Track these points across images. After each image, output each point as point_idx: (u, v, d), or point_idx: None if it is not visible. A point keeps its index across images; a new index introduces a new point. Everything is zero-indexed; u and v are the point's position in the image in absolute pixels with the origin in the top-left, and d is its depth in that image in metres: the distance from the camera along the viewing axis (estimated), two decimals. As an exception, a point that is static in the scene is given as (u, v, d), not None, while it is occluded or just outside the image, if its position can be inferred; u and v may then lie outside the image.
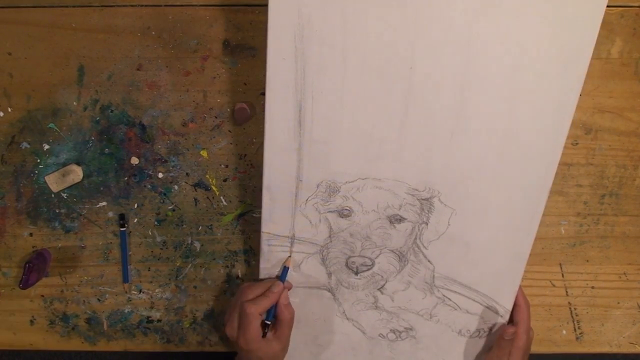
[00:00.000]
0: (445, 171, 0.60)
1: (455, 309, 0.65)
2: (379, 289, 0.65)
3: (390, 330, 0.66)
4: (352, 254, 0.63)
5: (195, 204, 0.68)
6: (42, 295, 0.70)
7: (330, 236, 0.63)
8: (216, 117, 0.67)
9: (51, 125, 0.67)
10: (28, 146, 0.68)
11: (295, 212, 0.62)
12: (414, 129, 0.58)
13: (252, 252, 0.69)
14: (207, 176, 0.68)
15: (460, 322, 0.66)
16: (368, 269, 0.64)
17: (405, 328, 0.66)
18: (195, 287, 0.70)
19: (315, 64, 0.55)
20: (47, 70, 0.67)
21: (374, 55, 0.55)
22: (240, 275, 0.69)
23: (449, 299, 0.65)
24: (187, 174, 0.68)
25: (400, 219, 0.62)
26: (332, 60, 0.55)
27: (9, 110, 0.68)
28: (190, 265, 0.69)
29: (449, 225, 0.62)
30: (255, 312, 0.59)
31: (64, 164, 0.68)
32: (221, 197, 0.68)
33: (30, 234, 0.69)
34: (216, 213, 0.68)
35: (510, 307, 0.64)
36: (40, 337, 0.70)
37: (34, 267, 0.65)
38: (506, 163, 0.58)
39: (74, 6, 0.66)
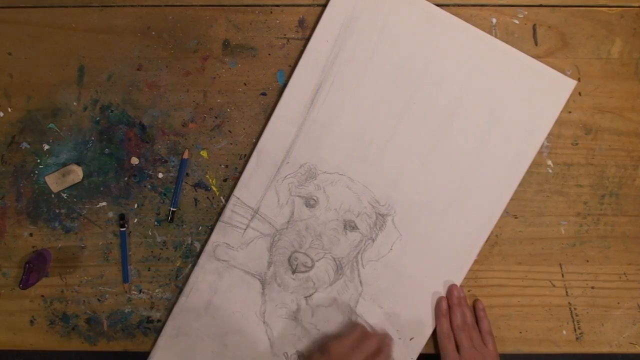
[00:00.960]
0: (407, 194, 0.66)
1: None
2: (306, 297, 0.67)
3: (297, 351, 0.67)
4: (299, 248, 0.65)
5: (195, 204, 0.68)
6: (42, 295, 0.70)
7: (288, 222, 0.66)
8: (216, 117, 0.67)
9: (51, 125, 0.67)
10: (28, 146, 0.68)
11: (270, 187, 0.66)
12: (397, 146, 0.66)
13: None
14: (207, 176, 0.68)
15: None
16: (306, 271, 0.66)
17: (298, 352, 0.67)
18: (195, 287, 0.69)
19: (347, 54, 0.65)
20: (47, 70, 0.67)
21: (392, 69, 0.65)
22: (240, 275, 0.69)
23: (368, 323, 0.67)
24: (187, 174, 0.68)
25: (354, 227, 0.66)
26: (361, 56, 0.65)
27: (9, 110, 0.68)
28: (190, 265, 0.69)
29: (390, 249, 0.66)
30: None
31: (64, 164, 0.68)
32: (221, 197, 0.68)
33: (30, 234, 0.69)
34: (216, 213, 0.68)
35: (416, 355, 0.67)
36: (40, 337, 0.70)
37: (34, 267, 0.65)
38: (457, 209, 0.66)
39: (74, 6, 0.66)
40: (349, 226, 0.65)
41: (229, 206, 0.67)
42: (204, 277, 0.67)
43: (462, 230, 0.66)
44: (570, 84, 0.65)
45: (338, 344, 0.62)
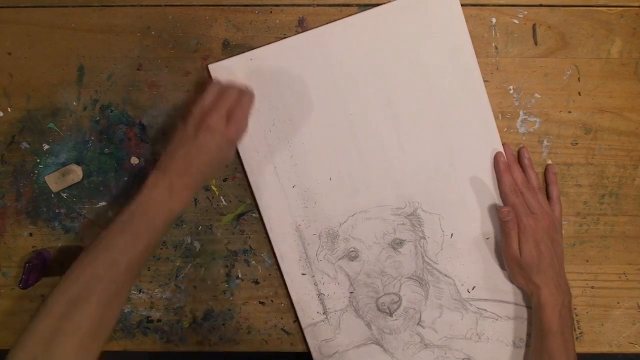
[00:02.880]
0: (412, 183, 0.66)
1: (497, 319, 0.67)
2: (419, 324, 0.67)
3: None
4: (378, 294, 0.66)
5: (195, 204, 0.68)
6: (43, 296, 0.70)
7: (351, 284, 0.66)
8: (216, 117, 0.67)
9: (51, 125, 0.67)
10: (28, 146, 0.68)
11: (313, 274, 0.67)
12: (368, 162, 0.66)
13: (252, 252, 0.69)
14: (207, 176, 0.68)
15: (509, 333, 0.67)
16: (399, 306, 0.66)
17: (463, 359, 0.67)
18: (195, 287, 0.69)
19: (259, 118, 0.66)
20: (47, 70, 0.67)
21: (321, 113, 0.66)
22: (240, 276, 0.69)
23: (485, 310, 0.67)
24: (187, 174, 0.68)
25: (401, 242, 0.66)
26: (270, 111, 0.66)
27: (9, 110, 0.68)
28: (190, 265, 0.69)
29: (443, 231, 0.66)
30: (236, 94, 0.59)
31: (64, 164, 0.68)
32: (221, 197, 0.68)
33: (30, 234, 0.69)
34: (216, 213, 0.68)
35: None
36: (40, 337, 0.70)
37: (34, 267, 0.65)
38: (459, 161, 0.66)
39: (74, 6, 0.66)
40: (396, 244, 0.66)
41: (299, 312, 0.68)
42: None
43: (487, 172, 0.66)
44: None
45: (198, 105, 0.58)
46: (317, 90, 0.65)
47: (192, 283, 0.69)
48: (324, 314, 0.67)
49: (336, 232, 0.66)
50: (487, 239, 0.66)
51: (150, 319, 0.70)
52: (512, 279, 0.65)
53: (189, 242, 0.69)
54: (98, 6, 0.66)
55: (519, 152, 0.66)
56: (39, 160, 0.68)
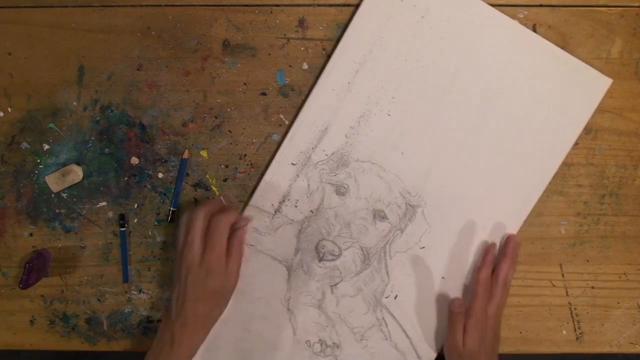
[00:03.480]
0: (439, 186, 0.66)
1: (386, 339, 0.67)
2: (331, 286, 0.66)
3: (319, 339, 0.67)
4: (327, 236, 0.65)
5: (196, 204, 0.68)
6: (42, 295, 0.70)
7: (317, 209, 0.66)
8: (216, 117, 0.67)
9: (51, 125, 0.67)
10: (28, 146, 0.68)
11: (301, 172, 0.66)
12: (431, 137, 0.65)
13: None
14: (207, 176, 0.68)
15: (385, 356, 0.67)
16: (333, 259, 0.65)
17: (333, 343, 0.67)
18: (195, 287, 0.69)
19: (384, 44, 0.65)
20: (47, 70, 0.67)
21: (429, 60, 0.65)
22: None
23: (386, 324, 0.67)
24: (187, 173, 0.68)
25: (383, 217, 0.65)
26: (399, 47, 0.65)
27: (9, 110, 0.68)
28: (190, 265, 0.69)
29: (419, 241, 0.66)
30: (228, 224, 0.60)
31: (64, 164, 0.68)
32: (221, 197, 0.68)
33: (30, 234, 0.69)
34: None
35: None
36: (40, 337, 0.70)
37: (34, 267, 0.65)
38: (486, 205, 0.66)
39: (74, 6, 0.66)
40: (379, 216, 0.65)
41: (259, 190, 0.66)
42: None
43: (490, 227, 0.66)
44: (605, 82, 0.65)
45: (190, 247, 0.60)
46: (445, 52, 0.65)
47: (192, 283, 0.69)
48: (274, 210, 0.66)
49: (348, 162, 0.65)
50: (442, 277, 0.66)
51: (150, 319, 0.70)
52: None
53: (189, 242, 0.69)
54: (98, 6, 0.66)
55: (507, 240, 0.65)
56: (39, 160, 0.68)
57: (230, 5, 0.66)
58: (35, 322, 0.70)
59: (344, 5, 0.66)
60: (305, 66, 0.67)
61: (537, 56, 0.64)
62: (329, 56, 0.66)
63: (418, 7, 0.64)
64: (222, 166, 0.68)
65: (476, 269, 0.64)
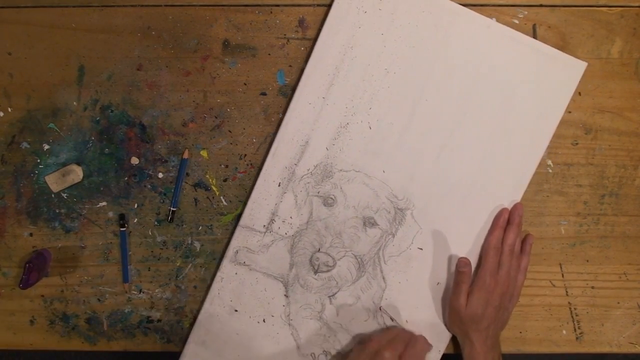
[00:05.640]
0: (425, 187, 0.66)
1: None
2: (329, 297, 0.67)
3: (324, 350, 0.67)
4: (320, 248, 0.65)
5: (195, 204, 0.68)
6: (42, 295, 0.70)
7: (307, 222, 0.66)
8: (216, 117, 0.67)
9: (51, 125, 0.67)
10: (28, 146, 0.68)
11: (287, 188, 0.66)
12: (412, 138, 0.66)
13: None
14: (207, 176, 0.68)
15: None
16: (328, 270, 0.66)
17: (337, 352, 0.67)
18: (195, 287, 0.69)
19: (356, 50, 0.65)
20: (47, 70, 0.67)
21: (402, 61, 0.65)
22: (240, 275, 0.69)
23: (388, 328, 0.67)
24: (187, 173, 0.68)
25: (373, 224, 0.66)
26: (370, 51, 0.65)
27: (9, 110, 0.68)
28: (190, 265, 0.69)
29: (411, 243, 0.66)
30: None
31: (64, 164, 0.68)
32: (221, 197, 0.68)
33: (30, 234, 0.69)
34: (216, 213, 0.68)
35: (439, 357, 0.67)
36: (40, 337, 0.70)
37: (34, 267, 0.65)
38: (474, 201, 0.66)
39: (74, 6, 0.66)
40: (369, 223, 0.65)
41: (247, 210, 0.67)
42: (227, 283, 0.67)
43: (480, 222, 0.66)
44: (581, 66, 0.64)
45: (377, 337, 0.62)
46: (418, 51, 0.65)
47: (192, 283, 0.69)
48: (265, 228, 0.66)
49: (332, 173, 0.65)
50: (438, 283, 0.67)
51: (150, 319, 0.70)
52: (448, 325, 0.66)
53: (189, 242, 0.69)
54: (98, 6, 0.66)
55: (513, 208, 0.66)
56: (39, 160, 0.68)
57: (230, 5, 0.66)
58: (35, 322, 0.70)
59: (344, 5, 0.66)
60: (305, 66, 0.67)
61: (510, 47, 0.65)
62: (301, 70, 0.66)
63: (384, 15, 0.64)
64: (222, 166, 0.68)
65: (487, 233, 0.65)
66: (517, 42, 0.64)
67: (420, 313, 0.67)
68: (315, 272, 0.66)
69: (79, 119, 0.67)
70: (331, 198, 0.65)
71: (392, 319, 0.66)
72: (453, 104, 0.65)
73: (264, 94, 0.67)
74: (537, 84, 0.65)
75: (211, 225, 0.69)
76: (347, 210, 0.66)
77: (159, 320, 0.70)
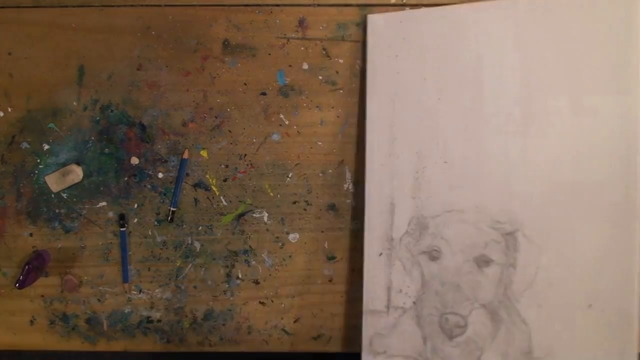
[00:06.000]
0: (523, 200, 0.59)
1: None
2: None
3: None
4: (445, 309, 0.61)
5: (195, 204, 0.68)
6: (42, 295, 0.70)
7: (422, 285, 0.62)
8: (216, 117, 0.67)
9: (51, 125, 0.67)
10: (28, 146, 0.68)
11: (392, 257, 0.63)
12: (486, 158, 0.60)
13: (252, 252, 0.69)
14: (207, 176, 0.68)
15: None
16: (462, 332, 0.60)
17: None
18: (195, 287, 0.70)
19: (406, 100, 0.63)
20: (47, 70, 0.67)
21: (450, 89, 0.62)
22: (240, 276, 0.69)
23: None
24: (187, 173, 0.68)
25: (488, 261, 0.60)
26: (415, 94, 0.63)
27: (9, 110, 0.68)
28: (190, 265, 0.69)
29: (538, 267, 0.58)
30: None
31: (64, 164, 0.68)
32: (221, 197, 0.68)
33: (30, 234, 0.69)
34: (216, 213, 0.68)
35: None
36: (40, 337, 0.70)
37: (33, 268, 0.65)
38: (588, 196, 0.56)
39: (74, 6, 0.66)
40: (482, 262, 0.60)
41: (365, 293, 0.64)
42: None
43: (603, 217, 0.56)
44: None
45: None
46: (464, 66, 0.61)
47: (192, 283, 0.69)
48: (386, 306, 0.64)
49: (426, 223, 0.62)
50: (590, 305, 0.57)
51: (150, 319, 0.70)
52: None
53: (189, 242, 0.69)
54: (98, 6, 0.66)
55: None
56: (39, 160, 0.68)
57: (230, 5, 0.66)
58: (35, 322, 0.70)
59: (344, 5, 0.66)
60: (305, 66, 0.67)
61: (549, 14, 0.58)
62: (359, 138, 0.66)
63: (413, 49, 0.63)
64: (222, 166, 0.68)
65: None
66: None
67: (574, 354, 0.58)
68: (450, 338, 0.61)
69: (79, 119, 0.67)
70: (435, 250, 0.61)
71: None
72: (516, 101, 0.59)
73: (264, 94, 0.67)
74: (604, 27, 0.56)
75: (211, 225, 0.69)
76: (455, 256, 0.61)
77: (159, 320, 0.70)
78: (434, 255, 0.62)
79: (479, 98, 0.61)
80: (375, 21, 0.64)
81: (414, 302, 0.63)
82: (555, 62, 0.59)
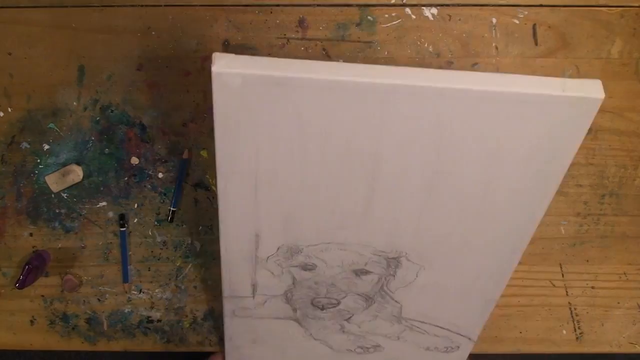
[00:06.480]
0: (414, 239, 0.56)
1: (423, 333, 0.66)
2: (345, 320, 0.64)
3: (358, 346, 0.66)
4: (317, 296, 0.62)
5: (195, 204, 0.68)
6: (42, 295, 0.70)
7: (293, 284, 0.61)
8: (216, 117, 0.67)
9: (51, 125, 0.67)
10: (28, 146, 0.68)
11: (257, 269, 0.59)
12: (380, 206, 0.53)
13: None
14: (207, 176, 0.68)
15: (428, 342, 0.67)
16: (334, 307, 0.63)
17: (372, 345, 0.66)
18: (195, 287, 0.70)
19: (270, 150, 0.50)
20: (47, 70, 0.67)
21: (336, 144, 0.49)
22: (240, 275, 0.69)
23: (417, 327, 0.65)
24: (187, 173, 0.68)
25: (366, 272, 0.60)
26: (289, 147, 0.50)
27: (9, 110, 0.68)
28: (190, 265, 0.69)
29: (416, 277, 0.61)
30: None
31: (64, 164, 0.68)
32: (221, 197, 0.68)
33: (30, 234, 0.69)
34: (216, 213, 0.68)
35: (475, 338, 0.65)
36: (40, 337, 0.70)
37: (33, 268, 0.65)
38: (477, 232, 0.55)
39: (74, 6, 0.66)
40: (361, 272, 0.60)
41: (225, 284, 0.61)
42: (238, 332, 0.66)
43: (493, 249, 0.57)
44: (594, 104, 0.45)
45: None
46: (350, 136, 0.49)
47: (192, 283, 0.69)
48: (252, 294, 0.62)
49: (300, 249, 0.57)
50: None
51: (150, 319, 0.70)
52: None
53: (189, 242, 0.69)
54: (98, 6, 0.66)
55: None
56: (39, 160, 0.68)
57: (230, 5, 0.66)
58: (35, 322, 0.70)
59: (344, 5, 0.66)
60: (305, 66, 0.67)
61: (487, 104, 0.46)
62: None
63: (290, 121, 0.48)
64: (222, 166, 0.68)
65: None
66: (498, 88, 0.45)
67: (442, 321, 0.64)
68: (322, 309, 0.63)
69: (79, 119, 0.67)
70: (309, 265, 0.59)
71: (419, 321, 0.65)
72: (420, 165, 0.50)
73: (264, 94, 0.67)
74: (533, 143, 0.49)
75: (211, 225, 0.69)
76: (331, 269, 0.59)
77: (159, 320, 0.70)
78: (308, 268, 0.59)
79: (376, 162, 0.50)
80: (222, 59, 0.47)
81: (285, 292, 0.62)
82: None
